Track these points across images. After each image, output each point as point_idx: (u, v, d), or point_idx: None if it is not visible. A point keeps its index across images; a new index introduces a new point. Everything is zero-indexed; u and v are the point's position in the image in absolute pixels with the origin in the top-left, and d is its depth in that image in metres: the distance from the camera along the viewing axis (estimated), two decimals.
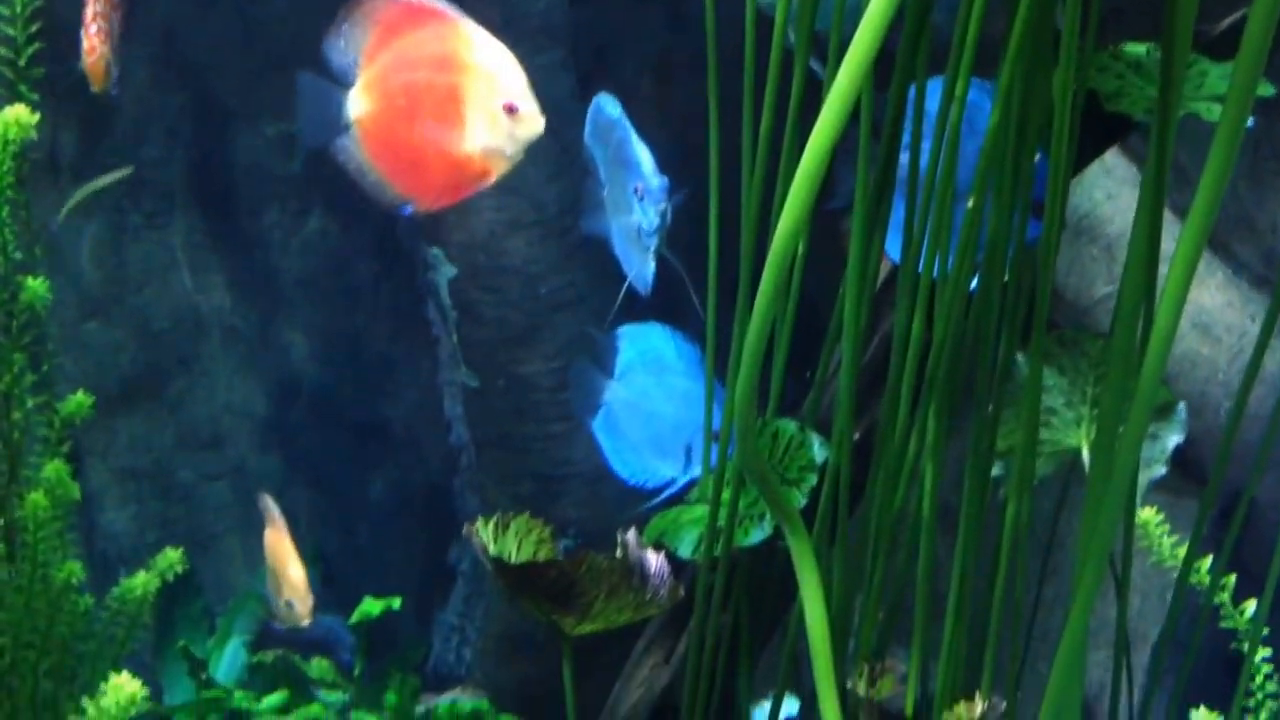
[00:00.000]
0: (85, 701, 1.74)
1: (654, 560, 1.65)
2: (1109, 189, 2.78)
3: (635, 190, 2.02)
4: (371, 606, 2.43)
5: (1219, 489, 1.78)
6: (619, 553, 1.60)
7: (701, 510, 1.72)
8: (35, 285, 1.93)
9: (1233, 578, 2.06)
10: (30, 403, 1.99)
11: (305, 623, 2.16)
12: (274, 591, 2.06)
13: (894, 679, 1.51)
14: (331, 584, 3.34)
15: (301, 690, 2.42)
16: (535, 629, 3.32)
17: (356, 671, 2.50)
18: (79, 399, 2.04)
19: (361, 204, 3.55)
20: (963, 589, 1.53)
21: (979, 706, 1.47)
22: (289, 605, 2.04)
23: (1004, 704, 1.50)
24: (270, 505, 2.04)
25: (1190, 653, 1.85)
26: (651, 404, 1.93)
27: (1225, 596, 2.08)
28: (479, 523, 1.67)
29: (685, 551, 1.71)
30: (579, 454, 3.21)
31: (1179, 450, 2.02)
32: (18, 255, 1.88)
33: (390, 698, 2.41)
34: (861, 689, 1.46)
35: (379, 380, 3.51)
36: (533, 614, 1.64)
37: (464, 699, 2.45)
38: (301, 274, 3.41)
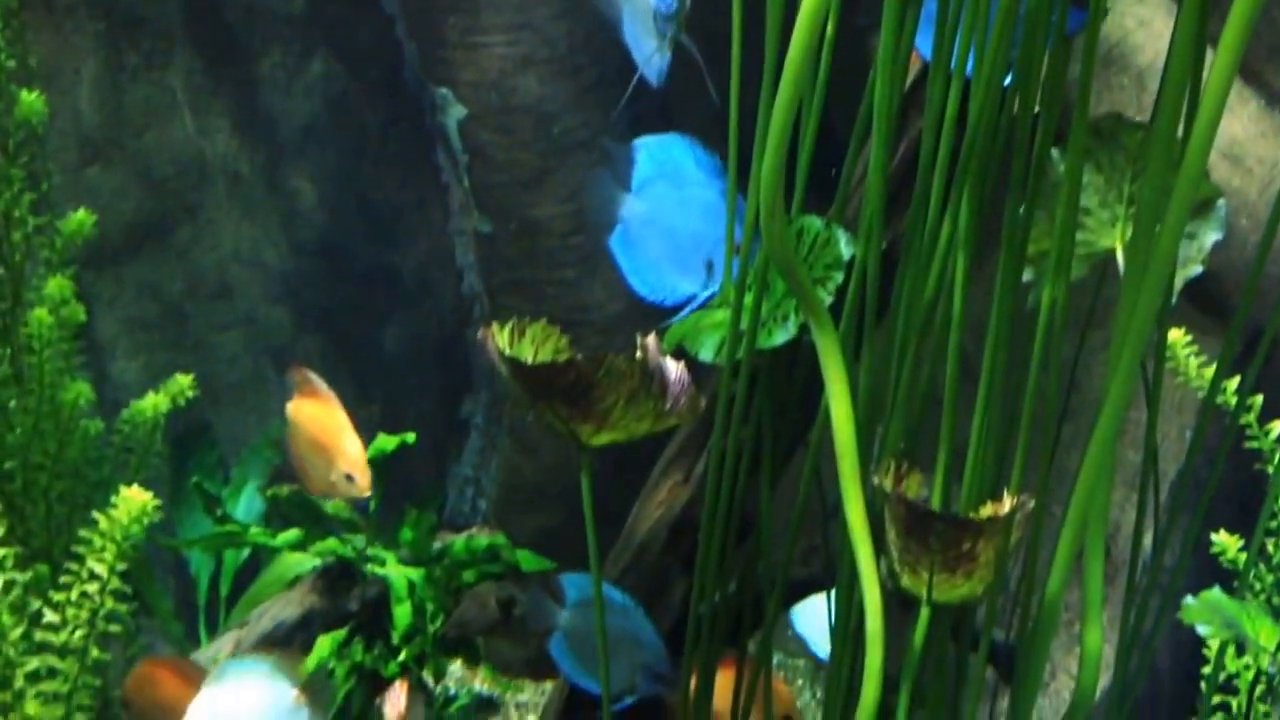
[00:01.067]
0: (97, 514, 1.71)
1: (674, 368, 1.60)
2: (1141, 15, 2.70)
3: None
4: (386, 443, 2.39)
5: (1244, 325, 1.73)
6: (638, 356, 1.55)
7: (723, 314, 1.67)
8: (30, 100, 1.86)
9: (1260, 398, 2.01)
10: (31, 223, 1.94)
11: (367, 495, 2.10)
12: (322, 467, 1.99)
13: (921, 480, 1.47)
14: None
15: (318, 526, 2.39)
16: (548, 479, 3.30)
17: (372, 508, 2.47)
18: (80, 217, 1.98)
19: (367, 45, 3.48)
20: (992, 383, 1.48)
21: (1007, 504, 1.43)
22: (348, 479, 1.97)
23: (1032, 502, 1.46)
24: (311, 377, 1.97)
25: (1212, 480, 1.81)
26: (670, 218, 1.87)
27: (1252, 418, 2.04)
28: (494, 327, 1.62)
29: (707, 355, 1.67)
30: (593, 299, 3.16)
31: (1202, 285, 1.96)
32: (11, 63, 1.81)
33: (406, 534, 2.38)
34: (888, 485, 1.41)
35: (389, 228, 3.45)
36: (550, 422, 1.60)
37: (480, 536, 2.41)
38: (307, 119, 3.34)
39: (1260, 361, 1.76)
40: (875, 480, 1.43)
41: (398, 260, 3.50)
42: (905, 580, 1.48)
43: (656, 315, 1.93)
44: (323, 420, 1.99)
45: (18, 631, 1.71)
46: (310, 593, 2.45)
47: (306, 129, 3.37)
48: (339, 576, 2.45)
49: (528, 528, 3.38)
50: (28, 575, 1.73)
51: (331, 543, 2.37)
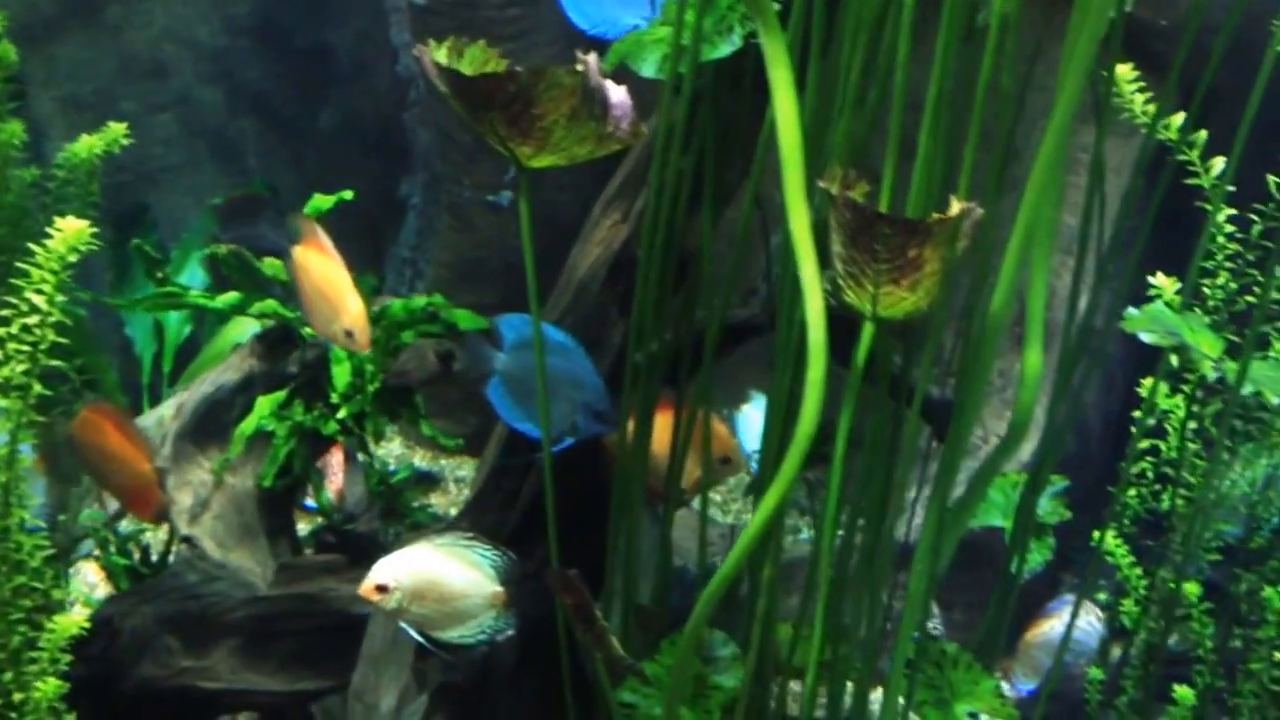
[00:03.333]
0: (33, 245, 1.70)
1: (616, 90, 1.59)
2: None
3: None
4: (323, 201, 2.38)
5: (1181, 76, 1.74)
6: (579, 70, 1.54)
7: (665, 31, 1.66)
8: None
9: (1204, 134, 2.03)
10: None
11: (366, 351, 2.09)
12: (326, 315, 1.98)
13: (867, 190, 1.47)
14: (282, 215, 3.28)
15: (257, 289, 2.39)
16: (488, 255, 3.29)
17: None
18: None
19: None
20: (942, 89, 1.48)
21: (956, 208, 1.43)
22: (349, 335, 1.96)
23: (979, 210, 1.47)
24: (315, 228, 1.94)
25: (1150, 217, 1.83)
26: None
27: (1195, 154, 2.06)
28: (430, 43, 1.59)
29: (649, 71, 1.65)
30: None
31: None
32: None
33: None
34: (834, 189, 1.41)
35: (323, 5, 3.39)
36: (490, 138, 1.58)
37: (418, 297, 2.41)
38: None
39: (1198, 108, 1.78)
40: (821, 185, 1.42)
41: (333, 39, 3.45)
42: (849, 295, 1.49)
43: None
44: (328, 274, 1.99)
45: None
46: (250, 357, 2.45)
47: None
48: (278, 340, 2.45)
49: (467, 305, 3.40)
50: None
51: (271, 303, 2.37)
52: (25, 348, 1.75)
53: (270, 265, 2.40)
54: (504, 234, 3.19)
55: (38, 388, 1.77)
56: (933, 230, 1.42)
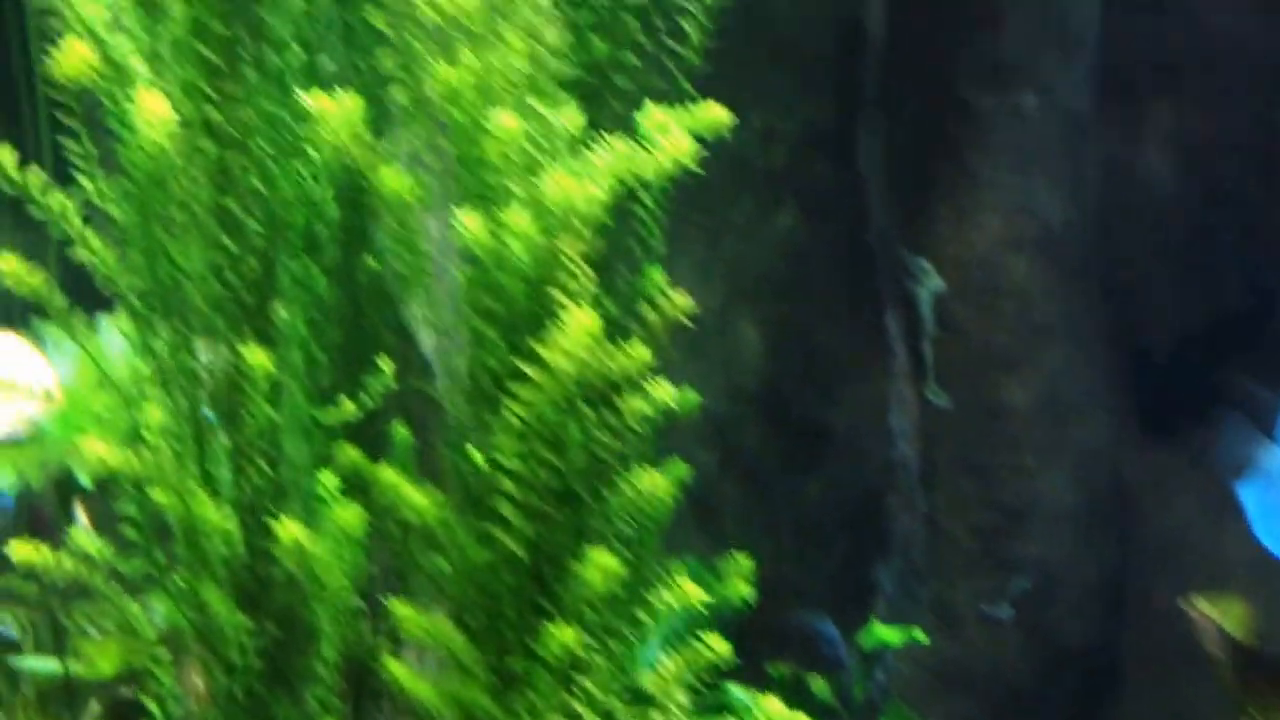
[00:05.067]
0: None
1: None
2: None
3: None
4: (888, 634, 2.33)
5: None
6: None
7: None
8: None
9: None
10: None
11: None
12: None
13: None
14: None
15: None
16: (974, 661, 3.20)
17: None
18: None
19: (833, 201, 3.48)
20: None
21: None
22: None
23: None
24: None
25: None
26: None
27: None
28: (1198, 599, 1.54)
29: None
30: (1047, 489, 3.10)
31: None
32: None
33: None
34: None
35: (827, 382, 3.42)
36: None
37: None
38: (764, 267, 3.34)
39: None
40: None
41: (831, 415, 3.47)
42: None
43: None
44: None
45: None
46: None
47: (762, 277, 3.38)
48: None
49: (939, 714, 3.30)
50: None
51: None
52: None
53: None
54: (999, 649, 3.11)
55: None
56: None
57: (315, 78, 1.86)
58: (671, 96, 2.00)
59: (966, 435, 3.08)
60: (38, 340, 2.69)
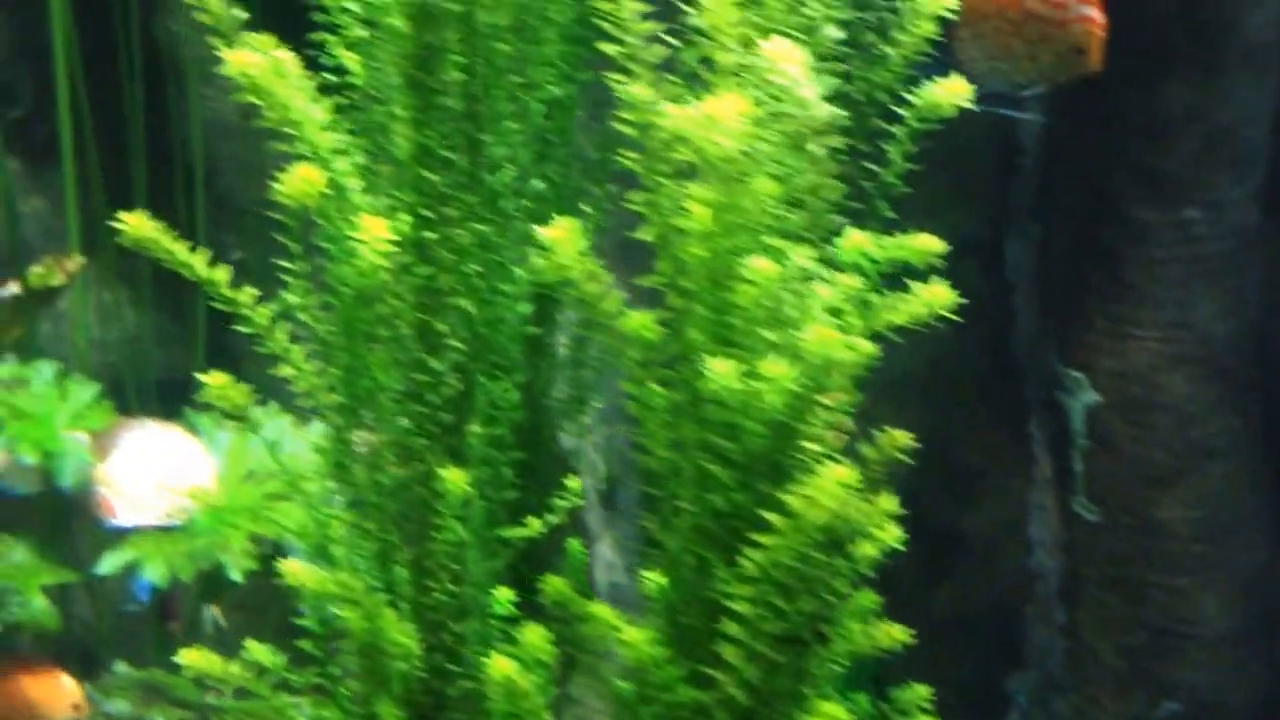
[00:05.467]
0: None
1: None
2: None
3: None
4: None
5: None
6: None
7: None
8: None
9: None
10: None
11: None
12: None
13: None
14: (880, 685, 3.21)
15: None
16: None
17: None
18: None
19: (979, 306, 3.43)
20: None
21: None
22: None
23: None
24: None
25: None
26: None
27: None
28: None
29: None
30: (1203, 613, 3.02)
31: None
32: None
33: None
34: None
35: (965, 489, 3.37)
36: None
37: None
38: (903, 370, 3.30)
39: None
40: None
41: (968, 522, 3.42)
42: None
43: None
44: None
45: None
46: None
47: (902, 381, 3.33)
48: None
49: None
50: None
51: None
52: None
53: None
54: None
55: None
56: None
57: (530, 198, 1.84)
58: (867, 219, 1.96)
59: (1116, 550, 3.01)
60: (193, 429, 2.67)
